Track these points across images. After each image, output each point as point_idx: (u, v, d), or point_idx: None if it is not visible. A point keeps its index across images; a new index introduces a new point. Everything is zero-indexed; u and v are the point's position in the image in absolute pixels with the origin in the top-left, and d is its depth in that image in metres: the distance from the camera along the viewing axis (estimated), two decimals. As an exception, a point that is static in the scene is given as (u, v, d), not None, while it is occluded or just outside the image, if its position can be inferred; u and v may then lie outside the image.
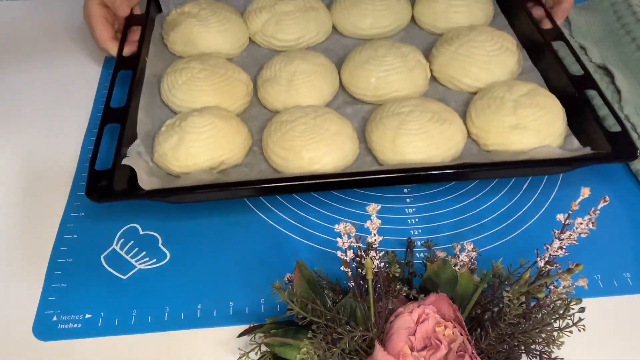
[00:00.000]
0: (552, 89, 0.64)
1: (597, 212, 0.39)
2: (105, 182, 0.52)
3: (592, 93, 0.61)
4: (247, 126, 0.62)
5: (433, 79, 0.67)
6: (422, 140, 0.55)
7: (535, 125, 0.56)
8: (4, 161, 0.65)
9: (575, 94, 0.60)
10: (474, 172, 0.56)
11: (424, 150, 0.55)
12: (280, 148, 0.56)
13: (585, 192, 0.39)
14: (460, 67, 0.64)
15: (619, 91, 0.69)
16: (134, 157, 0.54)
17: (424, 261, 0.48)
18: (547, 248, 0.41)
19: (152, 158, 0.58)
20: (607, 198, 0.40)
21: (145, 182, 0.52)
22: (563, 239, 0.40)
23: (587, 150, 0.55)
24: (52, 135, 0.68)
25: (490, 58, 0.64)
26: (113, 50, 0.68)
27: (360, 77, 0.64)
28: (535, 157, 0.55)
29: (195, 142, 0.56)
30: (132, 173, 0.54)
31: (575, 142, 0.58)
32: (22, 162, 0.65)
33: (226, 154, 0.57)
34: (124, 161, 0.52)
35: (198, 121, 0.57)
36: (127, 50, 0.67)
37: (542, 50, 0.67)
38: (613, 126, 0.57)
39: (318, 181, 0.51)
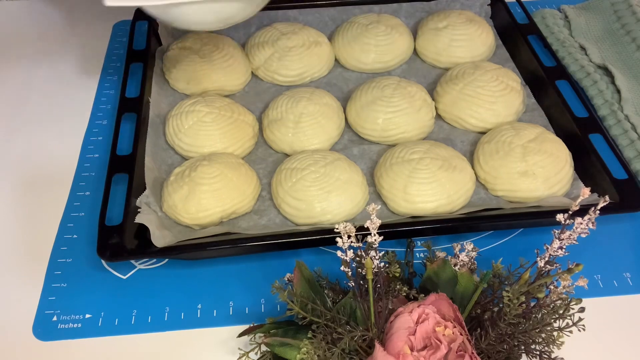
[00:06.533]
0: (557, 128, 0.64)
1: (597, 212, 0.39)
2: (117, 239, 0.51)
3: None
4: (254, 169, 0.61)
5: (438, 116, 0.67)
6: (433, 189, 0.55)
7: (543, 172, 0.56)
8: (4, 161, 0.65)
9: (581, 137, 0.61)
10: (487, 224, 0.57)
11: (435, 199, 0.55)
12: (292, 198, 0.56)
13: (585, 192, 0.39)
14: (467, 107, 0.64)
15: (619, 91, 0.69)
16: (144, 213, 0.53)
17: (424, 261, 0.48)
18: (547, 248, 0.41)
19: (161, 207, 0.56)
20: (607, 198, 0.40)
21: (158, 238, 0.51)
22: (563, 239, 0.40)
23: (595, 197, 0.54)
24: (52, 135, 0.68)
25: (496, 99, 0.64)
26: None
27: (367, 117, 0.64)
28: (545, 207, 0.55)
29: (206, 193, 0.55)
30: (143, 224, 0.53)
31: (581, 187, 0.58)
32: (22, 162, 0.65)
33: (237, 204, 0.56)
34: (137, 219, 0.52)
35: (208, 171, 0.56)
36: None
37: (545, 89, 0.67)
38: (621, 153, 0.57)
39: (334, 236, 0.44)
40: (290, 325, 0.45)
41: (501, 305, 0.41)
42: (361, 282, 0.42)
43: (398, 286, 0.44)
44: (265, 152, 0.64)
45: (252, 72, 0.73)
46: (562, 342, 0.41)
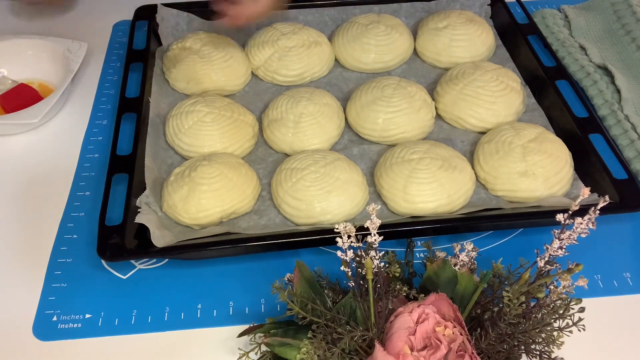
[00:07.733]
0: (557, 128, 0.64)
1: (597, 212, 0.39)
2: (117, 239, 0.51)
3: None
4: (254, 169, 0.61)
5: (438, 116, 0.67)
6: (433, 189, 0.55)
7: (543, 173, 0.56)
8: (4, 161, 0.65)
9: (581, 137, 0.61)
10: (487, 224, 0.57)
11: (435, 199, 0.55)
12: (292, 198, 0.55)
13: (585, 192, 0.39)
14: (467, 107, 0.65)
15: (619, 91, 0.69)
16: (144, 213, 0.53)
17: (424, 261, 0.48)
18: (547, 248, 0.41)
19: (161, 207, 0.56)
20: (607, 198, 0.40)
21: (158, 238, 0.51)
22: (563, 239, 0.40)
23: (595, 197, 0.54)
24: (52, 135, 0.68)
25: (496, 99, 0.64)
26: None
27: (367, 117, 0.64)
28: (545, 207, 0.55)
29: (206, 193, 0.55)
30: (143, 224, 0.53)
31: (581, 187, 0.58)
32: (22, 162, 0.65)
33: (237, 204, 0.56)
34: (137, 219, 0.52)
35: (208, 171, 0.56)
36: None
37: (545, 89, 0.67)
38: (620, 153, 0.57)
39: (334, 236, 0.44)
40: (290, 325, 0.45)
41: (501, 305, 0.41)
42: (361, 282, 0.42)
43: (398, 286, 0.44)
44: (265, 152, 0.64)
45: (252, 72, 0.73)
46: (562, 342, 0.41)
